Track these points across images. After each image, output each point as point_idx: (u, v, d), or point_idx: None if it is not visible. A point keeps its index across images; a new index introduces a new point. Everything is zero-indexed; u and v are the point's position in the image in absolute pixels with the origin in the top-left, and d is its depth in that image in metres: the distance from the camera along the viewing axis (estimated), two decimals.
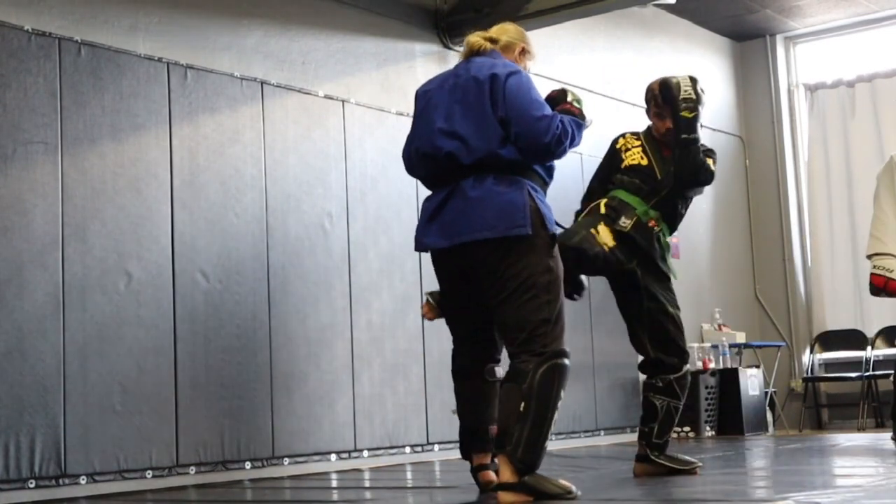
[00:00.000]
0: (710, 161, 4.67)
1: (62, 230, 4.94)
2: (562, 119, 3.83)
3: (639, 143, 4.80)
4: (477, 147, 3.79)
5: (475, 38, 4.08)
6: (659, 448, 4.66)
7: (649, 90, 4.78)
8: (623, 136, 4.87)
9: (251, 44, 5.99)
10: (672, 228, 4.79)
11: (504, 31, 4.14)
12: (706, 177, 4.65)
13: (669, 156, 4.71)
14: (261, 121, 5.90)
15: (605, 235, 4.61)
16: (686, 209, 4.84)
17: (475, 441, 4.05)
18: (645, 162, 4.72)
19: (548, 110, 3.83)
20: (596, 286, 7.45)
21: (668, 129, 4.71)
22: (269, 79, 6.00)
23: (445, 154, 3.84)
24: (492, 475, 4.00)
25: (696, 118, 4.56)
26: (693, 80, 4.62)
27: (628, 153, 4.78)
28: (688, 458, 4.73)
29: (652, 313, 4.64)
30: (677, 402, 4.65)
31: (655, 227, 4.67)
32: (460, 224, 3.80)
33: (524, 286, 3.74)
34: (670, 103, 4.60)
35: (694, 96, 4.56)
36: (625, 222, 4.62)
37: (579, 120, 3.95)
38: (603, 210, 4.68)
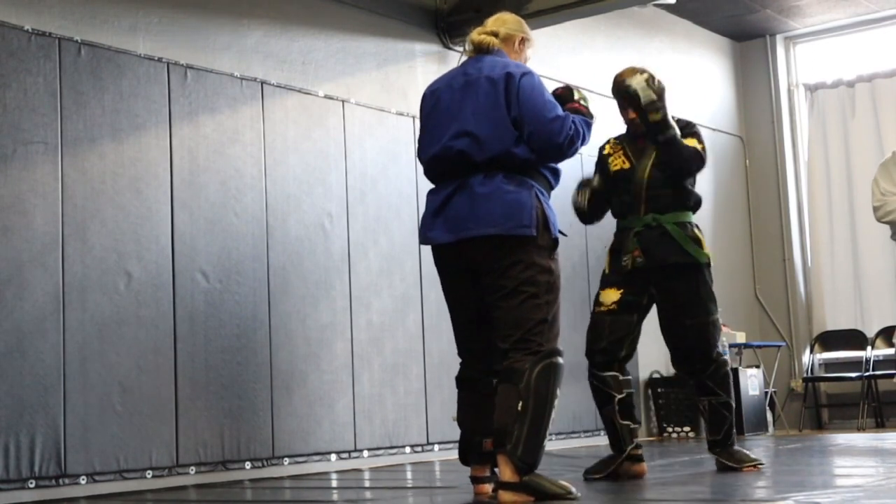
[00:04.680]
0: (695, 143, 4.67)
1: (62, 230, 4.94)
2: (574, 119, 3.87)
3: (620, 146, 4.83)
4: (490, 145, 3.81)
5: (479, 35, 4.07)
6: (719, 445, 4.77)
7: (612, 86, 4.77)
8: (608, 141, 4.92)
9: (251, 44, 5.99)
10: (690, 208, 4.74)
11: (503, 21, 4.14)
12: (698, 164, 4.69)
13: (643, 145, 4.74)
14: (261, 121, 5.90)
15: (606, 297, 4.70)
16: (694, 185, 4.80)
17: (472, 452, 4.06)
18: (627, 165, 4.75)
19: (560, 111, 3.87)
20: (595, 287, 7.45)
21: (631, 119, 4.75)
22: (269, 79, 6.00)
23: (456, 152, 3.85)
24: (487, 488, 4.03)
25: (664, 116, 4.59)
26: (649, 78, 4.62)
27: (611, 158, 4.82)
28: (749, 454, 4.79)
29: (672, 329, 4.73)
30: (719, 398, 4.72)
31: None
32: (467, 219, 3.82)
33: (524, 285, 3.75)
34: (634, 109, 4.63)
35: (654, 96, 4.58)
36: (626, 260, 4.67)
37: (588, 119, 4.00)
38: (606, 268, 4.80)
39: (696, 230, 4.73)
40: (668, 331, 4.75)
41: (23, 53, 4.91)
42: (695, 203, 4.78)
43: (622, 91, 4.64)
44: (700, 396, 4.77)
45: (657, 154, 4.68)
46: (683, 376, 4.86)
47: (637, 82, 4.59)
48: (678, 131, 4.64)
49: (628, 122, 4.78)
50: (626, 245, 4.68)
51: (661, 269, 4.66)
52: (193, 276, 5.45)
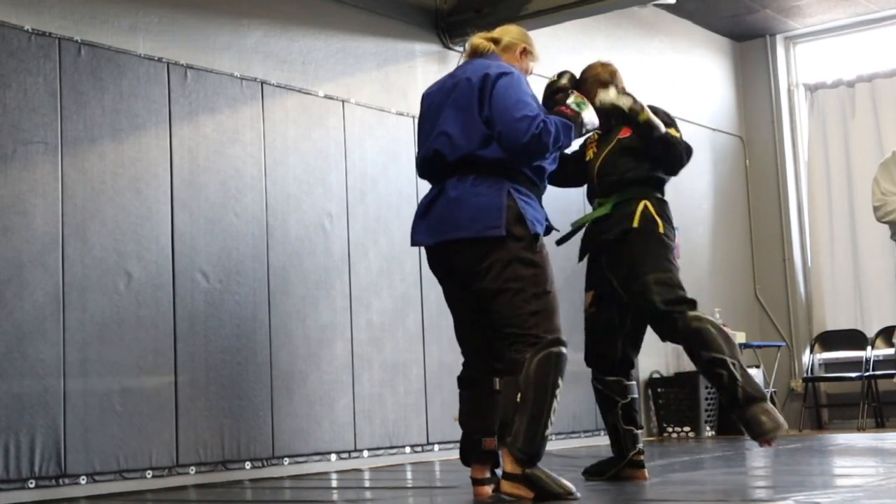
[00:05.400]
0: (674, 132, 4.52)
1: (62, 230, 4.94)
2: (545, 119, 3.80)
3: (596, 140, 4.73)
4: (460, 145, 3.86)
5: (477, 39, 4.13)
6: (730, 408, 4.43)
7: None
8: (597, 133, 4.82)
9: (251, 44, 5.99)
10: (641, 184, 4.57)
11: (506, 31, 4.19)
12: (688, 156, 4.53)
13: (606, 135, 4.64)
14: (261, 121, 5.90)
15: (586, 301, 4.64)
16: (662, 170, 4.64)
17: (473, 452, 4.06)
18: (591, 156, 4.69)
19: (531, 111, 3.80)
20: None
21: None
22: (269, 79, 6.00)
23: (433, 152, 3.92)
24: (487, 490, 4.03)
25: (649, 115, 4.42)
26: (616, 90, 4.46)
27: (588, 150, 4.74)
28: (765, 424, 4.27)
29: (631, 303, 4.54)
30: (701, 357, 4.40)
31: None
32: (443, 223, 3.88)
33: (508, 282, 3.77)
34: (623, 121, 4.50)
35: (631, 100, 4.42)
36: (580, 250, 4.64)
37: (568, 121, 3.93)
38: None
39: (646, 204, 4.51)
40: (631, 305, 4.53)
41: (23, 53, 4.90)
42: (644, 180, 4.56)
43: (604, 111, 4.41)
44: (694, 363, 4.47)
45: (616, 144, 4.58)
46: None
47: (608, 97, 4.42)
48: (664, 127, 4.49)
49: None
50: (577, 224, 4.67)
51: (604, 250, 4.54)
52: (193, 276, 5.45)
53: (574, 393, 7.54)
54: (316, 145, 6.18)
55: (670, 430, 8.26)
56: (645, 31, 8.89)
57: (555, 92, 4.41)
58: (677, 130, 4.58)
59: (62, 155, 4.98)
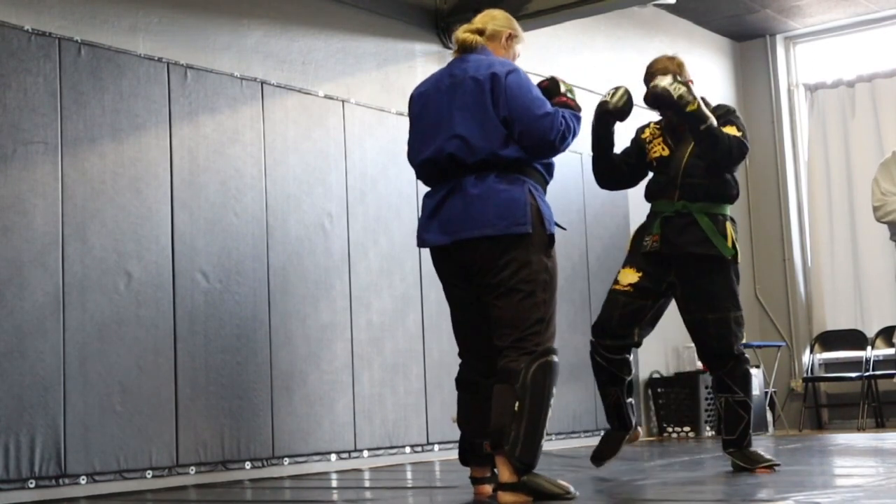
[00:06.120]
0: (734, 131, 4.61)
1: (62, 230, 4.94)
2: (563, 115, 3.86)
3: (660, 132, 4.80)
4: (479, 147, 3.81)
5: (463, 33, 4.08)
6: (734, 444, 4.69)
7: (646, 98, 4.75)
8: (648, 125, 4.88)
9: (251, 44, 5.99)
10: (726, 200, 4.73)
11: (491, 17, 4.14)
12: (740, 152, 4.61)
13: (683, 132, 4.71)
14: (261, 121, 5.90)
15: (624, 277, 4.68)
16: (734, 176, 4.76)
17: (473, 454, 4.07)
18: (666, 153, 4.72)
19: (549, 107, 3.85)
20: (595, 287, 7.45)
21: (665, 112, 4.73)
22: (269, 79, 6.00)
23: (447, 155, 3.85)
24: (487, 489, 4.04)
25: (699, 106, 4.53)
26: (673, 78, 4.57)
27: (651, 145, 4.78)
28: (764, 455, 4.71)
29: (693, 323, 4.70)
30: (735, 396, 4.65)
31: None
32: (461, 221, 3.82)
33: (521, 284, 3.76)
34: (671, 109, 4.59)
35: (684, 89, 4.53)
36: (647, 241, 4.67)
37: (576, 112, 3.99)
38: (628, 246, 4.82)
39: (728, 223, 4.70)
40: (690, 323, 4.72)
41: (23, 53, 4.91)
42: (732, 195, 4.74)
43: (655, 99, 4.57)
44: (717, 393, 4.72)
45: (695, 145, 4.65)
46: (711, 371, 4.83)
47: (663, 81, 4.54)
48: (715, 121, 4.58)
49: (663, 113, 4.75)
50: (650, 228, 4.69)
51: (684, 258, 4.64)
52: (193, 276, 5.45)
53: (574, 393, 7.56)
54: (316, 145, 6.18)
55: (670, 430, 8.26)
56: (645, 31, 8.89)
57: (606, 114, 4.59)
58: (738, 129, 4.62)
59: (62, 155, 4.98)
